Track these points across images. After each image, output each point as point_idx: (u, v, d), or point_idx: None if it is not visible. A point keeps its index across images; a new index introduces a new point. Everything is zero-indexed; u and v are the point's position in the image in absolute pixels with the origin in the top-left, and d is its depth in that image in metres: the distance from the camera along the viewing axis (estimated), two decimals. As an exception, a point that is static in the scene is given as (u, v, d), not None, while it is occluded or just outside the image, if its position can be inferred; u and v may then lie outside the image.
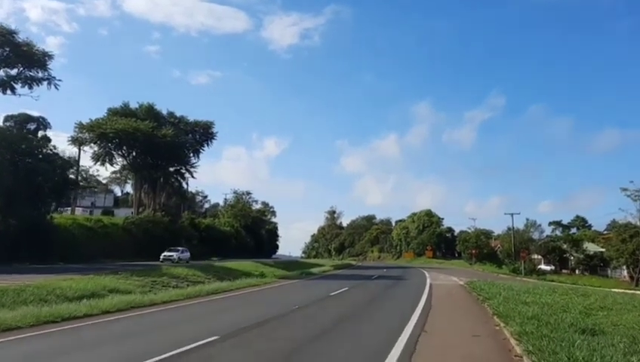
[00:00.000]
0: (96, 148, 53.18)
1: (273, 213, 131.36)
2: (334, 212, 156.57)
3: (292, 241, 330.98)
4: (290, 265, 45.31)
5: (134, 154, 54.64)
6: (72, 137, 52.83)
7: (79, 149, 55.01)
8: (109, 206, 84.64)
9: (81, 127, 51.43)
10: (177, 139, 56.03)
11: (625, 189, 53.40)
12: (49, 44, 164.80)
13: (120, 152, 53.82)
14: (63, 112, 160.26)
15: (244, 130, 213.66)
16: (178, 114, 61.99)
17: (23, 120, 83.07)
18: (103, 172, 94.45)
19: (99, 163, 54.06)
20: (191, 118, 62.71)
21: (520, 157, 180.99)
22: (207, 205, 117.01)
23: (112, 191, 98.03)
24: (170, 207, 79.57)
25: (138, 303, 14.35)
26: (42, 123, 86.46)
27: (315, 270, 40.90)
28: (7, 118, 76.77)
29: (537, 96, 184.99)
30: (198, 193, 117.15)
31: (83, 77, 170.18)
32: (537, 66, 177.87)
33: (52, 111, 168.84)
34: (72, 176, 44.60)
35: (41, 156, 37.19)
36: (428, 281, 31.71)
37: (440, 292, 23.14)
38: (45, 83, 39.97)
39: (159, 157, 55.42)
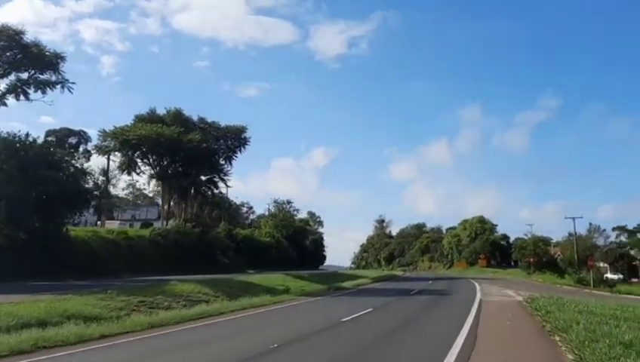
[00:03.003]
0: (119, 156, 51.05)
1: (320, 223, 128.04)
2: (383, 221, 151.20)
3: (342, 251, 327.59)
4: (327, 278, 40.97)
5: (162, 162, 52.19)
6: (96, 146, 50.94)
7: (108, 159, 53.27)
8: (151, 218, 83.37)
9: (104, 134, 49.34)
10: (206, 145, 53.20)
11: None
12: (104, 63, 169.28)
13: (146, 160, 51.35)
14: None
15: (293, 140, 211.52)
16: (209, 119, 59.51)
17: (64, 134, 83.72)
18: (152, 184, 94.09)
19: (124, 172, 51.82)
20: (222, 124, 60.06)
21: (578, 160, 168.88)
22: (252, 216, 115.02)
23: (157, 204, 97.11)
24: (212, 218, 77.45)
25: (61, 341, 10.39)
26: (83, 137, 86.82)
27: (348, 284, 36.26)
28: (48, 133, 77.31)
29: (595, 96, 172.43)
30: (243, 204, 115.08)
31: (136, 94, 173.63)
32: (594, 65, 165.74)
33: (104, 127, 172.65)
34: (87, 186, 41.99)
35: (52, 165, 34.91)
36: (477, 297, 26.52)
37: (491, 315, 18.18)
38: (59, 87, 37.81)
39: (188, 164, 52.74)
